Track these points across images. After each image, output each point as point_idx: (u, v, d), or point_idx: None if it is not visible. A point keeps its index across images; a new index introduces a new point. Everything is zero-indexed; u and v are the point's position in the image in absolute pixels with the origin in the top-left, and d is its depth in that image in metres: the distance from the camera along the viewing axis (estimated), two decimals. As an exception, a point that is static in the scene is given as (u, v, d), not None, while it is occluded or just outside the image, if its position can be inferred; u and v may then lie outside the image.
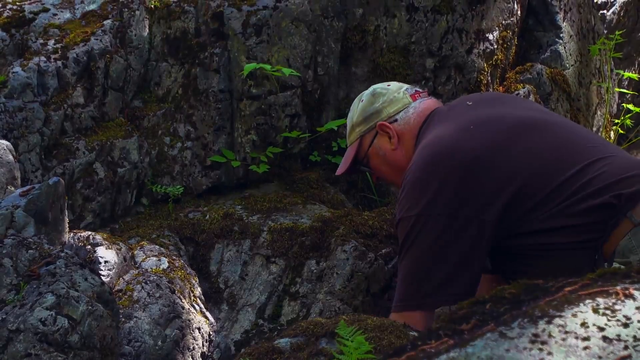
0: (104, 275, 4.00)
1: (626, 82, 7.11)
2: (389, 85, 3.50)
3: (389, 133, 3.19)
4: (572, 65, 5.76)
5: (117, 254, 4.19)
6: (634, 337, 1.53)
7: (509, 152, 3.06)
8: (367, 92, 3.39)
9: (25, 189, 4.07)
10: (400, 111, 3.24)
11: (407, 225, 2.86)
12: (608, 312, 1.57)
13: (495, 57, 5.42)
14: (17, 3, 5.15)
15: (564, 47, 5.72)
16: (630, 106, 6.30)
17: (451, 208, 2.88)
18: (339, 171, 3.33)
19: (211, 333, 4.26)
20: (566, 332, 1.53)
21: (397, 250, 2.86)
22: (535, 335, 1.52)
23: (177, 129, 5.01)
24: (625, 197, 2.99)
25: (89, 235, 4.22)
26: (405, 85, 3.49)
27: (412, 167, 3.01)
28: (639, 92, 7.03)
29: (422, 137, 3.13)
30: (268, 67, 4.85)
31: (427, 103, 3.32)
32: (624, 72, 6.68)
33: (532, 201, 2.99)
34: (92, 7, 5.14)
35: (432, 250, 2.82)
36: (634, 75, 6.67)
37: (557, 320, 1.55)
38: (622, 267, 1.75)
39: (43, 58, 4.80)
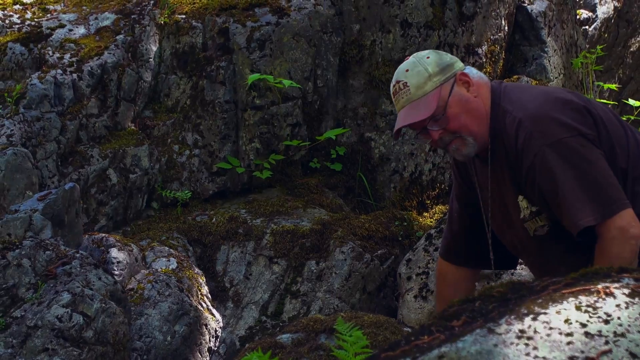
0: (116, 275, 4.01)
1: (607, 93, 7.12)
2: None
3: (468, 82, 3.14)
4: (556, 78, 5.77)
5: (129, 255, 4.19)
6: (614, 332, 1.53)
7: (618, 121, 3.08)
8: (423, 53, 3.23)
9: (42, 193, 4.08)
10: (465, 68, 3.21)
11: (564, 147, 2.92)
12: (590, 309, 1.57)
13: (484, 70, 5.43)
14: (35, 19, 5.16)
15: (549, 61, 5.73)
16: (611, 116, 6.29)
17: (591, 136, 2.96)
18: (412, 120, 3.00)
19: (217, 329, 4.27)
20: (551, 328, 1.53)
21: (546, 180, 2.87)
22: (522, 331, 1.52)
23: (186, 137, 5.02)
24: None
25: (103, 237, 4.22)
26: None
27: (535, 105, 3.03)
28: (619, 103, 7.04)
29: (507, 95, 3.10)
30: (270, 77, 4.86)
31: None
32: (605, 84, 6.69)
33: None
34: (106, 23, 5.15)
35: (596, 165, 2.91)
36: (614, 87, 6.68)
37: (542, 317, 1.55)
38: None
39: (59, 71, 4.81)
